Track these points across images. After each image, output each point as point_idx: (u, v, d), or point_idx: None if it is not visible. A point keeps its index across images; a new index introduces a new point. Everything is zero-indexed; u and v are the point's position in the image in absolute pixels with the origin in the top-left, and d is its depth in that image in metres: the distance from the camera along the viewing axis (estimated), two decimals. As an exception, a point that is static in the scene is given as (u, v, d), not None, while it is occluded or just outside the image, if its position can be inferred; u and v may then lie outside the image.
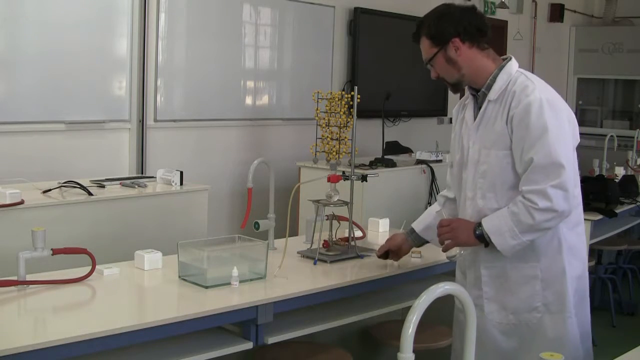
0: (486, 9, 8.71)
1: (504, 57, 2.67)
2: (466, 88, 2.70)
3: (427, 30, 2.63)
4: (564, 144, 2.46)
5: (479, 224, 2.55)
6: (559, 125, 2.46)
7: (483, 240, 2.55)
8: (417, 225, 3.01)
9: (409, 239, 3.03)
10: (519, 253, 2.53)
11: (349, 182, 3.22)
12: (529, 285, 2.57)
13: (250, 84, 6.14)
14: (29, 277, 2.63)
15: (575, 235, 2.60)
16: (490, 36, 2.67)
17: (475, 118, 2.63)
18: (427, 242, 3.01)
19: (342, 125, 5.56)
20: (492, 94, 2.57)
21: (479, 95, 2.63)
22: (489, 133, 2.57)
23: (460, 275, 2.78)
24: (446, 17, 2.61)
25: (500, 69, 2.60)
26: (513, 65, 2.61)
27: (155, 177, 4.41)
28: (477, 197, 2.59)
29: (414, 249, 3.12)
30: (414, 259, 3.19)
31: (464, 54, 2.60)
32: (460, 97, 2.86)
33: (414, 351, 1.51)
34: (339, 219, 3.23)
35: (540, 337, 2.57)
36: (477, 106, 2.64)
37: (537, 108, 2.45)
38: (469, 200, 2.63)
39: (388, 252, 3.08)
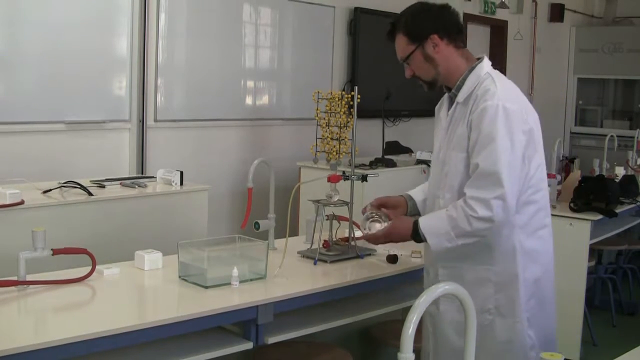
0: (486, 8, 8.72)
1: (479, 57, 2.66)
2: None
3: (404, 27, 2.62)
4: (512, 154, 2.44)
5: (416, 221, 2.60)
6: (509, 135, 2.43)
7: (418, 239, 2.60)
8: (417, 195, 2.95)
9: (409, 203, 2.93)
10: (474, 255, 2.56)
11: (349, 182, 3.22)
12: (482, 287, 2.57)
13: (250, 83, 6.14)
14: (29, 277, 2.63)
15: (535, 240, 2.60)
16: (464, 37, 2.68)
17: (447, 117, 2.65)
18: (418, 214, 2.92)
19: (342, 125, 5.56)
20: (460, 96, 2.58)
21: (451, 95, 2.65)
22: (452, 134, 2.59)
23: (425, 273, 2.81)
24: (424, 13, 2.62)
25: (471, 70, 2.60)
26: (484, 67, 2.60)
27: (156, 177, 4.41)
28: (439, 197, 2.62)
29: (414, 249, 3.11)
30: (414, 259, 3.19)
31: (442, 52, 2.60)
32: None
33: (414, 351, 1.51)
34: (339, 219, 3.23)
35: (491, 340, 2.57)
36: (450, 106, 2.66)
37: (491, 114, 2.45)
38: (435, 199, 2.67)
39: (395, 257, 3.08)
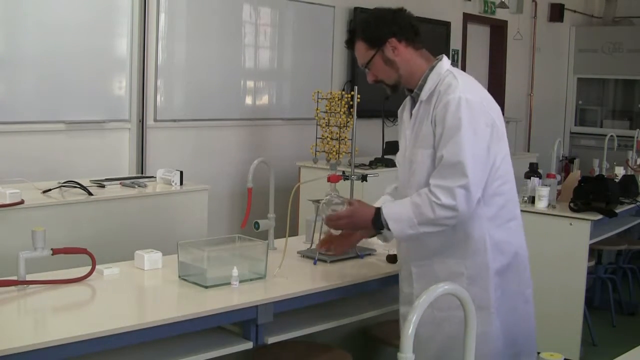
0: (486, 8, 8.72)
1: (439, 56, 2.70)
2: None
3: (362, 33, 2.67)
4: (476, 144, 2.48)
5: (379, 209, 2.61)
6: (472, 126, 2.47)
7: (379, 224, 2.60)
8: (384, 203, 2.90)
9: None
10: (445, 250, 2.59)
11: (349, 182, 3.22)
12: (455, 282, 2.55)
13: (250, 83, 6.15)
14: (29, 277, 2.63)
15: (504, 231, 2.62)
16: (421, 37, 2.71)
17: (411, 118, 2.68)
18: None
19: (342, 125, 5.56)
20: (423, 94, 2.61)
21: (413, 96, 2.68)
22: (418, 132, 2.61)
23: (400, 270, 2.82)
24: (380, 19, 2.66)
25: (431, 69, 2.64)
26: (444, 65, 2.64)
27: (155, 177, 4.41)
28: (409, 195, 2.62)
29: None
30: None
31: (401, 54, 2.64)
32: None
33: (413, 351, 1.51)
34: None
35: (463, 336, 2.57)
36: (413, 106, 2.69)
37: (454, 107, 2.49)
38: (405, 198, 2.66)
39: (395, 257, 3.06)
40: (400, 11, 2.69)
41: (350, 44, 2.72)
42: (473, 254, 2.58)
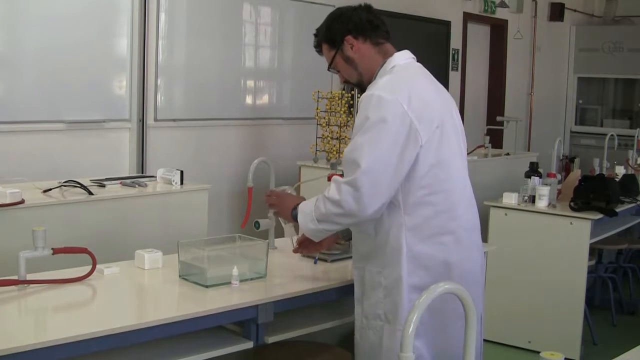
0: (486, 8, 8.72)
1: (398, 52, 2.64)
2: None
3: (323, 35, 2.67)
4: (378, 144, 2.38)
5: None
6: (377, 126, 2.38)
7: (294, 214, 2.64)
8: None
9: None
10: (372, 257, 2.54)
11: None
12: (375, 292, 2.54)
13: (250, 83, 6.14)
14: (29, 277, 2.63)
15: (430, 246, 2.47)
16: (387, 30, 2.66)
17: None
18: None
19: (342, 125, 5.56)
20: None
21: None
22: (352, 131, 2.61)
23: None
24: (337, 18, 2.65)
25: (381, 66, 2.60)
26: (392, 61, 2.58)
27: (156, 177, 4.41)
28: None
29: None
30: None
31: (359, 50, 2.61)
32: None
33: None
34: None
35: (378, 347, 2.53)
36: None
37: (365, 104, 2.46)
38: None
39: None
40: (360, 8, 2.65)
41: (317, 47, 2.72)
42: (389, 264, 2.49)
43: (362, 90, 2.62)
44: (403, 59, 2.60)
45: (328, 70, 2.73)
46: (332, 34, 2.64)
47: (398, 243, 2.46)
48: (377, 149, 2.38)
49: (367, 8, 2.67)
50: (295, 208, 2.65)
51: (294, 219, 2.65)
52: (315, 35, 2.72)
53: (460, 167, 2.56)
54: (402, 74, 2.54)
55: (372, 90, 2.46)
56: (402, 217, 2.45)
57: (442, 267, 2.48)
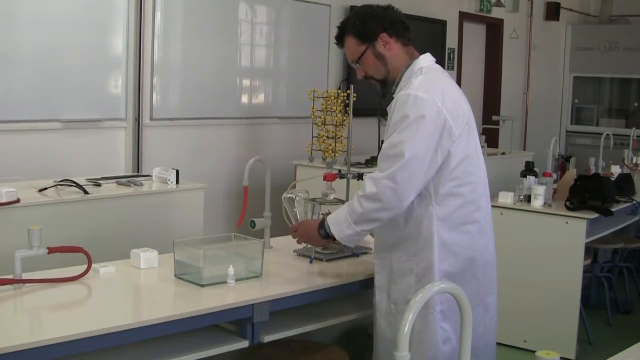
0: (482, 7, 8.72)
1: (422, 55, 2.74)
2: None
3: (353, 29, 2.72)
4: (416, 141, 2.50)
5: (323, 220, 2.71)
6: (416, 123, 2.50)
7: (323, 231, 2.70)
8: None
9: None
10: (400, 245, 2.64)
11: (345, 180, 3.22)
12: (406, 278, 2.65)
13: (246, 82, 6.14)
14: (25, 276, 2.63)
15: (458, 234, 2.63)
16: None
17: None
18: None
19: (338, 124, 5.56)
20: (396, 91, 2.68)
21: (392, 92, 2.74)
22: (388, 126, 2.66)
23: None
24: (371, 15, 2.72)
25: (408, 67, 2.69)
26: (419, 63, 2.69)
27: (151, 176, 4.41)
28: None
29: None
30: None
31: (392, 49, 2.70)
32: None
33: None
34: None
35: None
36: None
37: (401, 102, 2.55)
38: None
39: None
40: (389, 7, 2.76)
41: (340, 39, 2.76)
42: (421, 251, 2.61)
43: (384, 87, 2.75)
44: (429, 61, 2.72)
45: (350, 64, 2.79)
46: (366, 30, 2.70)
47: (429, 231, 2.59)
48: (416, 144, 2.50)
49: (394, 8, 2.77)
50: (321, 227, 2.71)
51: (324, 237, 2.72)
52: (340, 27, 2.77)
53: (482, 161, 2.71)
54: (433, 75, 2.66)
55: (408, 90, 2.55)
56: (434, 207, 2.59)
57: (470, 254, 2.66)
